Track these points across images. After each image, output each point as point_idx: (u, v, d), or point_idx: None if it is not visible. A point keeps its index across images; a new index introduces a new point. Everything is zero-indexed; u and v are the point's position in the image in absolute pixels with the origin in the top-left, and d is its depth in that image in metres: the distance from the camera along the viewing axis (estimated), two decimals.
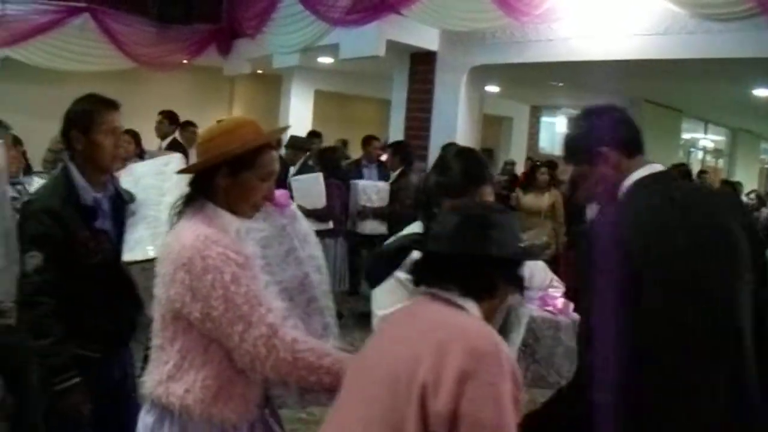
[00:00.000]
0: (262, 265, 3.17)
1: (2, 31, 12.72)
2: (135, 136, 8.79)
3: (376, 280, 2.56)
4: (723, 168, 22.88)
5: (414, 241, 2.45)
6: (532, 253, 2.45)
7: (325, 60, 13.69)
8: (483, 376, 2.02)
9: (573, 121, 3.10)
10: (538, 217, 10.66)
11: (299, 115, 15.44)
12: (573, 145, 2.98)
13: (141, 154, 8.80)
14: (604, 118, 2.94)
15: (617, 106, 2.99)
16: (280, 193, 3.31)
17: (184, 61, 14.77)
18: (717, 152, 23.26)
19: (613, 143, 2.86)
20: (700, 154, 22.52)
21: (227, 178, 2.87)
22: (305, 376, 2.73)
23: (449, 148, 3.40)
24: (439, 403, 2.01)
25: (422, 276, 2.40)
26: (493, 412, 2.01)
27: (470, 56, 11.04)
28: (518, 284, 2.45)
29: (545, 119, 20.27)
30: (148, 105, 12.34)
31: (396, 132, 11.98)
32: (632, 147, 2.89)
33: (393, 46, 10.90)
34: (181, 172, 3.12)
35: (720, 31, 8.15)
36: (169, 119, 11.26)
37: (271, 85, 16.74)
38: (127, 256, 3.70)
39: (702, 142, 22.35)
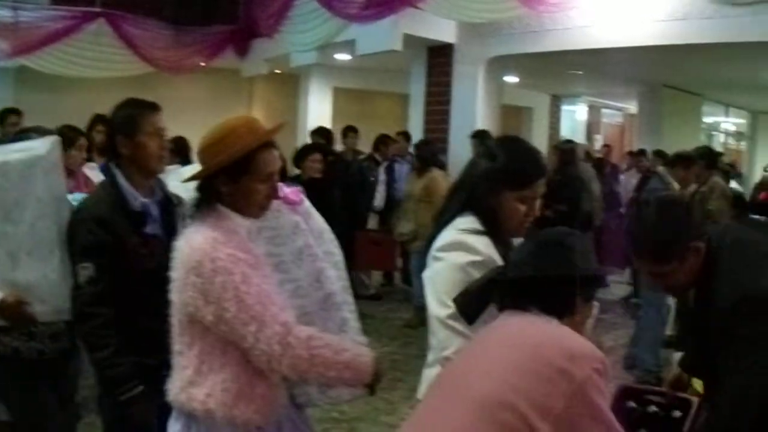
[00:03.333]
0: (276, 263, 3.16)
1: (16, 39, 12.66)
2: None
3: (472, 317, 2.57)
4: (744, 150, 22.91)
5: (499, 273, 2.51)
6: (605, 271, 2.54)
7: (343, 57, 13.66)
8: (581, 376, 2.10)
9: (650, 217, 2.93)
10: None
11: (318, 113, 15.41)
12: (662, 246, 2.85)
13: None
14: (684, 208, 2.94)
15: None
16: (291, 191, 3.29)
17: (202, 64, 14.76)
18: (738, 135, 23.14)
19: (700, 235, 2.86)
20: (721, 137, 22.41)
21: (227, 184, 2.85)
22: (323, 372, 2.72)
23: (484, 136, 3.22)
24: (551, 400, 2.08)
25: (504, 302, 2.46)
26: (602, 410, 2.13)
27: (487, 47, 11.01)
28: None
29: (566, 108, 20.14)
30: (166, 109, 11.94)
31: (415, 126, 11.96)
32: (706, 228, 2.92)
33: (410, 40, 10.89)
34: (184, 182, 3.11)
35: (738, 15, 8.24)
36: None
37: (289, 84, 16.68)
38: None
39: (723, 126, 22.23)
